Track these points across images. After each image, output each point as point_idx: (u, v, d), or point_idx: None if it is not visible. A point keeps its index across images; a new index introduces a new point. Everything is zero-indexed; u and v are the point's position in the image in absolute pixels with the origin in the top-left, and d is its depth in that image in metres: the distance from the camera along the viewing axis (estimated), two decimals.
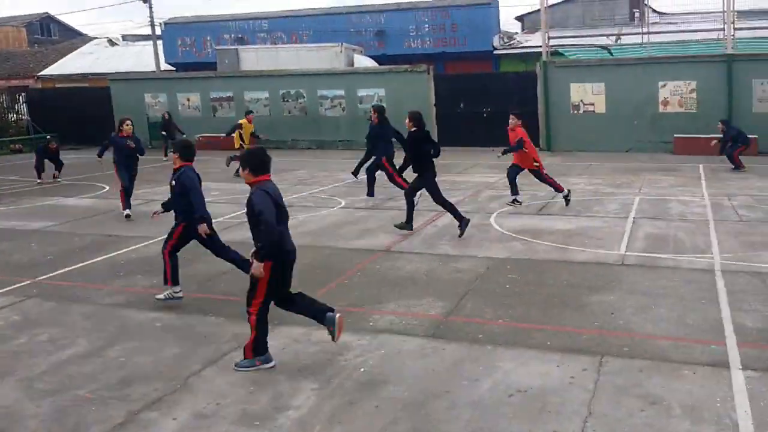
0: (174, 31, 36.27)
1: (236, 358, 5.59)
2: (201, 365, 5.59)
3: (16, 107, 30.37)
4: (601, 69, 22.66)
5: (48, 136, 18.33)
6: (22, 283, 8.00)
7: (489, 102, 23.55)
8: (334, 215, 11.78)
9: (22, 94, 31.10)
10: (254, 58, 27.85)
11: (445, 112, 24.04)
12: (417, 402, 4.83)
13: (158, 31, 36.31)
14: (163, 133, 22.98)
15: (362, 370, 5.41)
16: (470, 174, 16.89)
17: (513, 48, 32.30)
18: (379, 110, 13.87)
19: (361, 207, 12.28)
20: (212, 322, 6.60)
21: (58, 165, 17.88)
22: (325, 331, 6.20)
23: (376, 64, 27.62)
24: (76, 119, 28.15)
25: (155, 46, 35.33)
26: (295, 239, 9.61)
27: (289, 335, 6.19)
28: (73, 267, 8.71)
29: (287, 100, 25.81)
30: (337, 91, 25.31)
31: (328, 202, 13.11)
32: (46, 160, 17.64)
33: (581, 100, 22.52)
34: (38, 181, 17.32)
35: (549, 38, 23.87)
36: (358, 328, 6.32)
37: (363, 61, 27.66)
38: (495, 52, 31.59)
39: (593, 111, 22.36)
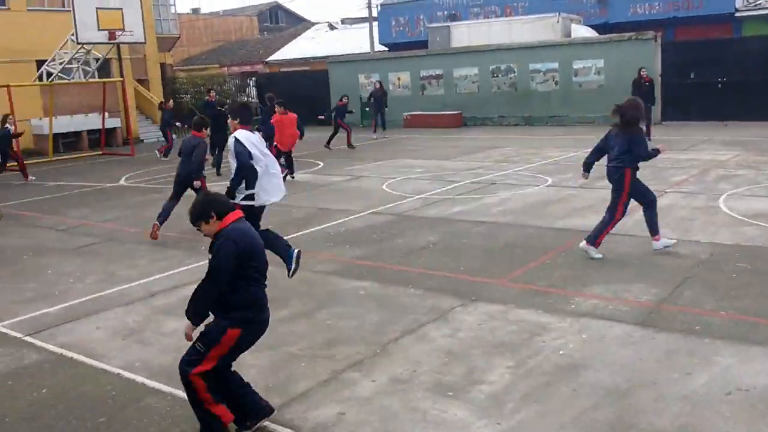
0: (389, 12, 37.34)
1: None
2: (399, 333, 5.72)
3: (246, 90, 33.28)
4: None
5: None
6: None
7: (724, 71, 21.36)
8: (540, 194, 11.44)
9: (252, 78, 34.00)
10: (466, 34, 27.83)
11: (672, 83, 22.23)
12: (620, 390, 4.55)
13: (375, 13, 37.68)
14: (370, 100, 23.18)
15: (561, 352, 5.20)
16: (698, 151, 15.46)
17: (760, 9, 28.76)
18: None
19: (570, 186, 11.79)
20: (412, 294, 6.72)
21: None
22: (524, 310, 6.07)
23: (595, 34, 26.15)
24: (298, 101, 30.19)
25: (371, 28, 36.72)
26: (495, 217, 9.66)
27: (485, 311, 6.13)
28: (289, 236, 9.30)
29: (497, 76, 25.48)
30: (551, 64, 24.44)
31: (533, 180, 12.76)
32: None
33: None
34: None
35: None
36: (558, 309, 6.09)
37: (581, 31, 26.25)
38: (736, 14, 28.34)
39: None
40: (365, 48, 36.38)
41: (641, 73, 18.03)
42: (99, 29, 19.41)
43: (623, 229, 8.71)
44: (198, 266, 7.99)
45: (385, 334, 5.73)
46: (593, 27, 27.76)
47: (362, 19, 41.93)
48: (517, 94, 24.91)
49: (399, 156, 17.65)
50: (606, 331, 5.55)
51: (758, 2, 29.57)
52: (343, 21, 50.37)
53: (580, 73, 23.75)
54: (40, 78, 21.18)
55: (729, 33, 27.65)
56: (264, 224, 10.09)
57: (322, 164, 16.73)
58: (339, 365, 5.15)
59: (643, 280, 6.73)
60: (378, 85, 23.85)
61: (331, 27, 47.21)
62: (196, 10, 57.37)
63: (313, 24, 50.14)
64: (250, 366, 5.18)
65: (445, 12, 35.27)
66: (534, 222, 9.39)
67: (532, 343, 5.39)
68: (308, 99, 29.67)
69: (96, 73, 21.83)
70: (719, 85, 21.37)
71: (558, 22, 25.54)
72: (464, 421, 4.27)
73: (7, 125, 15.87)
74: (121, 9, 19.88)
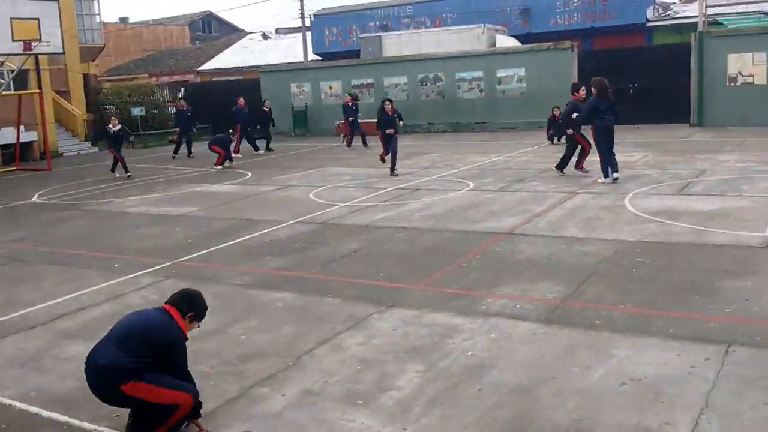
0: (322, 22, 37.47)
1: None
2: (314, 344, 5.74)
3: (177, 101, 32.77)
4: (764, 37, 20.73)
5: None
6: (164, 265, 8.59)
7: (636, 77, 22.34)
8: (461, 198, 11.68)
9: (182, 88, 33.46)
10: (396, 44, 28.23)
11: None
12: (522, 387, 4.70)
13: (309, 23, 37.71)
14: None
15: (470, 353, 5.33)
16: None
17: (668, 19, 30.25)
18: None
19: (489, 189, 12.08)
20: (329, 303, 6.76)
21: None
22: (437, 313, 6.21)
23: (518, 44, 26.98)
24: (230, 110, 29.85)
25: (304, 37, 36.70)
26: (417, 223, 9.83)
27: (400, 317, 6.23)
28: (210, 249, 9.26)
29: (425, 84, 25.88)
30: (476, 72, 25.04)
31: (456, 185, 13.02)
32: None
33: (739, 72, 20.78)
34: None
35: (707, 7, 22.18)
36: (470, 311, 6.24)
37: (505, 42, 27.09)
38: (648, 24, 29.72)
39: (752, 83, 20.56)
40: (299, 58, 36.35)
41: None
42: (13, 40, 18.66)
43: (533, 229, 9.03)
44: (108, 285, 7.81)
45: (299, 345, 5.74)
46: (517, 37, 28.69)
47: (296, 29, 41.86)
48: (444, 102, 25.39)
49: (328, 164, 17.71)
50: (512, 330, 5.72)
51: (667, 12, 31.16)
52: (277, 31, 50.18)
53: (503, 81, 24.45)
54: None
55: (641, 42, 29.01)
56: (186, 237, 10.07)
57: (250, 174, 16.63)
58: (249, 381, 5.12)
59: (550, 278, 6.97)
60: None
61: (265, 36, 46.98)
62: (124, 20, 56.13)
63: (247, 33, 49.78)
64: None
65: (377, 22, 35.63)
66: (453, 226, 9.58)
67: (442, 346, 5.50)
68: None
69: (11, 85, 21.04)
70: (631, 91, 22.29)
71: (483, 32, 26.26)
72: (371, 429, 4.31)
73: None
74: (37, 19, 19.18)
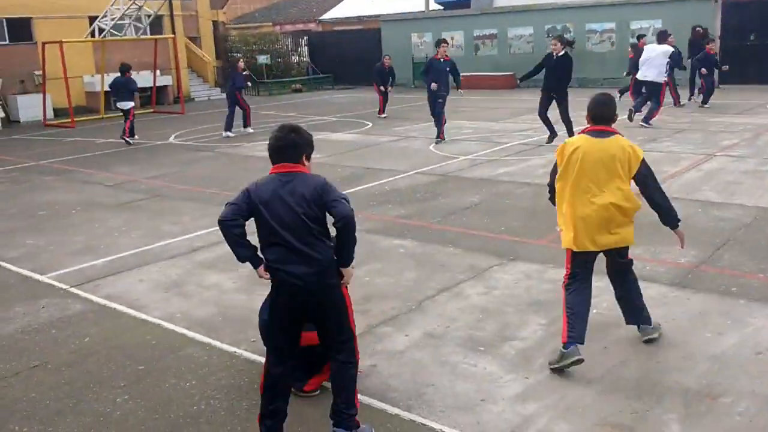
0: None
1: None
2: (435, 291, 5.85)
3: (299, 50, 33.28)
4: None
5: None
6: None
7: None
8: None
9: (304, 37, 33.94)
10: None
11: (732, 45, 21.51)
12: (649, 348, 4.61)
13: None
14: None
15: (595, 311, 5.23)
16: (753, 115, 15.02)
17: None
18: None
19: None
20: (450, 252, 6.83)
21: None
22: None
23: None
24: (350, 61, 30.08)
25: None
26: (540, 179, 9.61)
27: (522, 270, 6.20)
28: None
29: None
30: (608, 24, 23.85)
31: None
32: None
33: None
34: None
35: None
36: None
37: None
38: None
39: None
40: (420, 7, 35.94)
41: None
42: None
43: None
44: None
45: (421, 291, 5.87)
46: None
47: None
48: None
49: (449, 117, 17.55)
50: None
51: None
52: None
53: (638, 33, 23.13)
54: (92, 34, 21.41)
55: None
56: None
57: (370, 124, 16.81)
58: (374, 320, 5.31)
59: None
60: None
61: None
62: None
63: None
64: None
65: None
66: None
67: None
68: (359, 60, 29.57)
69: (148, 30, 21.94)
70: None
71: None
72: (493, 374, 4.39)
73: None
74: None
